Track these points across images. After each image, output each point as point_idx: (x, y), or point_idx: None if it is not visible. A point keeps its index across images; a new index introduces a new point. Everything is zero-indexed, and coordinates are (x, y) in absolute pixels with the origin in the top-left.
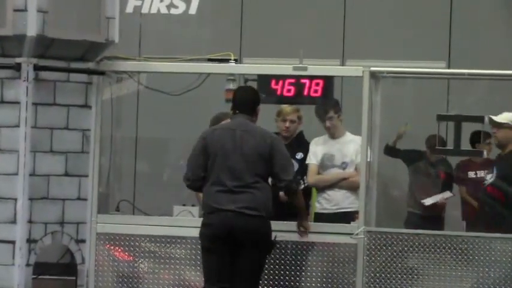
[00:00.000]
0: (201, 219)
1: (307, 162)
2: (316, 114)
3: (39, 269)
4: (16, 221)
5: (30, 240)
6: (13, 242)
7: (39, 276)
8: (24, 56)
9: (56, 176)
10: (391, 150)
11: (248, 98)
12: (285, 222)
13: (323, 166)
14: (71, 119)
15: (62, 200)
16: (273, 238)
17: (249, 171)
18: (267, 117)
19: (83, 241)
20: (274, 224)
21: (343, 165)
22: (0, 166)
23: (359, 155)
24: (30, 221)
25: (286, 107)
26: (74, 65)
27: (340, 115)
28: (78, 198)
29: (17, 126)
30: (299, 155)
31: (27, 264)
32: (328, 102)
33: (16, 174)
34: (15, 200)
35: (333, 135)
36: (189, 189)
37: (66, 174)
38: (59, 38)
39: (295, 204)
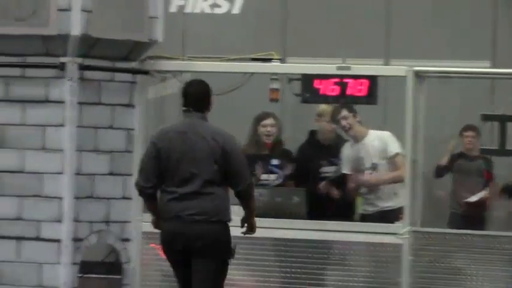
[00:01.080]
0: (238, 219)
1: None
2: (332, 119)
3: (85, 267)
4: (62, 219)
5: (75, 239)
6: (59, 241)
7: (85, 275)
8: (68, 55)
9: (101, 175)
10: (444, 169)
11: (200, 93)
12: (332, 222)
13: (356, 171)
14: (116, 118)
15: (107, 199)
16: (232, 246)
17: (200, 177)
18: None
19: (128, 240)
20: (320, 224)
21: (374, 166)
22: (45, 165)
23: (391, 145)
24: (75, 220)
25: (327, 108)
26: (119, 64)
27: (355, 115)
28: (123, 197)
29: (62, 125)
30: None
31: (73, 263)
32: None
33: (61, 173)
34: (61, 199)
35: (356, 138)
36: (140, 196)
37: (111, 173)
38: (103, 37)
39: (248, 208)
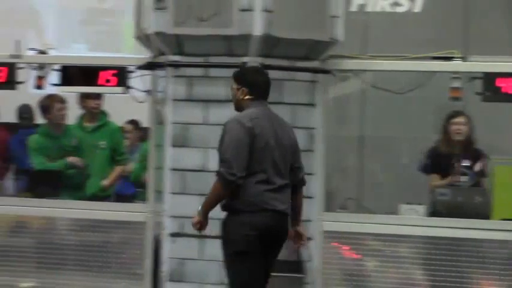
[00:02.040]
0: (427, 218)
1: None
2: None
3: None
4: None
5: None
6: None
7: None
8: (250, 55)
9: None
10: None
11: (269, 82)
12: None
13: None
14: (297, 118)
15: None
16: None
17: (286, 168)
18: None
19: (310, 239)
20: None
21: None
22: None
23: None
24: None
25: None
26: (299, 63)
27: None
28: (305, 196)
29: None
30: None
31: None
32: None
33: None
34: None
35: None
36: (229, 186)
37: None
38: (284, 37)
39: (300, 203)
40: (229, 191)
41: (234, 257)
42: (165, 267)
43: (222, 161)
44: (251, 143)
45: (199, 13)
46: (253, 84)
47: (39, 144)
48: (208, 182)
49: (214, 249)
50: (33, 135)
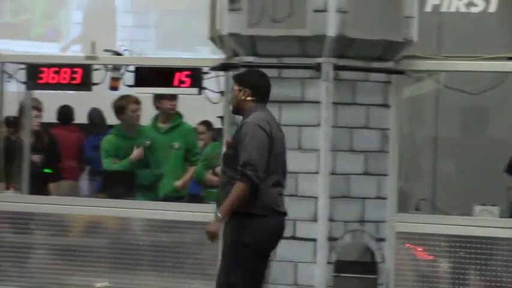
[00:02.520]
0: (502, 219)
1: None
2: None
3: (340, 267)
4: (317, 219)
5: (330, 238)
6: (314, 240)
7: (340, 274)
8: (324, 56)
9: (356, 175)
10: None
11: (269, 85)
12: None
13: None
14: (370, 118)
15: (361, 198)
16: None
17: (286, 169)
18: None
19: (383, 240)
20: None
21: None
22: (301, 165)
23: None
24: (330, 220)
25: None
26: (373, 64)
27: None
28: (378, 197)
29: (318, 125)
30: None
31: (328, 262)
32: None
33: (317, 173)
34: (316, 198)
35: None
36: (253, 189)
37: (366, 173)
38: (358, 38)
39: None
40: (248, 194)
41: (253, 261)
42: None
43: (248, 164)
44: (269, 146)
45: (273, 14)
46: (257, 87)
47: (112, 144)
48: None
49: (288, 249)
50: (107, 136)
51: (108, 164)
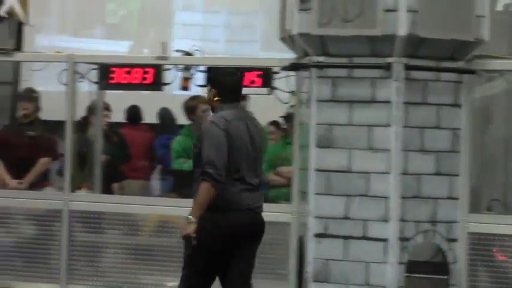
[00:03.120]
0: None
1: None
2: None
3: (412, 267)
4: (388, 219)
5: (402, 239)
6: (385, 240)
7: (412, 275)
8: (394, 55)
9: (427, 175)
10: None
11: (241, 82)
12: None
13: None
14: (441, 118)
15: (433, 198)
16: None
17: (259, 167)
18: None
19: (455, 240)
20: None
21: None
22: (372, 165)
23: None
24: (402, 220)
25: None
26: (444, 64)
27: None
28: (449, 197)
29: (388, 125)
30: None
31: (400, 263)
32: None
33: (388, 173)
34: (387, 198)
35: None
36: (217, 186)
37: (437, 173)
38: (429, 37)
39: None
40: (214, 192)
41: (199, 249)
42: (310, 268)
43: (208, 163)
44: (228, 143)
45: (344, 14)
46: (222, 86)
47: (182, 145)
48: (353, 183)
49: (359, 250)
50: (178, 137)
51: (179, 164)
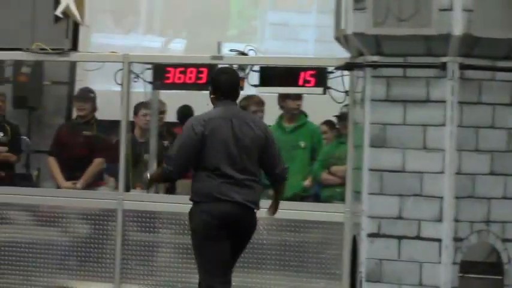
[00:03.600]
0: None
1: None
2: None
3: (465, 267)
4: (442, 219)
5: (456, 239)
6: (439, 240)
7: (465, 275)
8: (449, 55)
9: (482, 175)
10: None
11: (236, 82)
12: None
13: None
14: (496, 118)
15: (487, 198)
16: None
17: (249, 164)
18: None
19: (509, 240)
20: None
21: None
22: (426, 165)
23: None
24: (456, 220)
25: None
26: (499, 63)
27: None
28: (504, 197)
29: (443, 125)
30: None
31: (453, 263)
32: None
33: (442, 172)
34: (441, 198)
35: None
36: (164, 179)
37: (492, 173)
38: (484, 36)
39: (280, 191)
40: (164, 182)
41: (199, 243)
42: (363, 268)
43: (167, 156)
44: (200, 143)
45: (398, 13)
46: (216, 84)
47: None
48: (406, 183)
49: (412, 250)
50: None
51: None
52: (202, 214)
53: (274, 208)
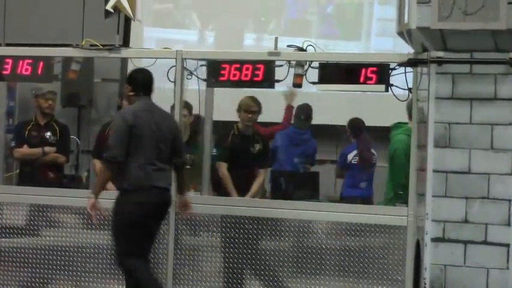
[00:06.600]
0: None
1: None
2: None
3: None
4: (511, 223)
5: None
6: (508, 245)
7: None
8: None
9: None
10: None
11: (151, 80)
12: None
13: None
14: None
15: None
16: None
17: (166, 152)
18: None
19: None
20: None
21: None
22: (493, 166)
23: None
24: None
25: None
26: None
27: None
28: None
29: (511, 124)
30: None
31: None
32: None
33: (510, 174)
34: (509, 201)
35: None
36: (110, 167)
37: None
38: None
39: (182, 179)
40: (111, 171)
41: (127, 228)
42: (427, 274)
43: (107, 148)
44: (130, 132)
45: (465, 7)
46: (134, 82)
47: None
48: (473, 185)
49: (479, 255)
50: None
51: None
52: (136, 204)
53: (184, 204)
